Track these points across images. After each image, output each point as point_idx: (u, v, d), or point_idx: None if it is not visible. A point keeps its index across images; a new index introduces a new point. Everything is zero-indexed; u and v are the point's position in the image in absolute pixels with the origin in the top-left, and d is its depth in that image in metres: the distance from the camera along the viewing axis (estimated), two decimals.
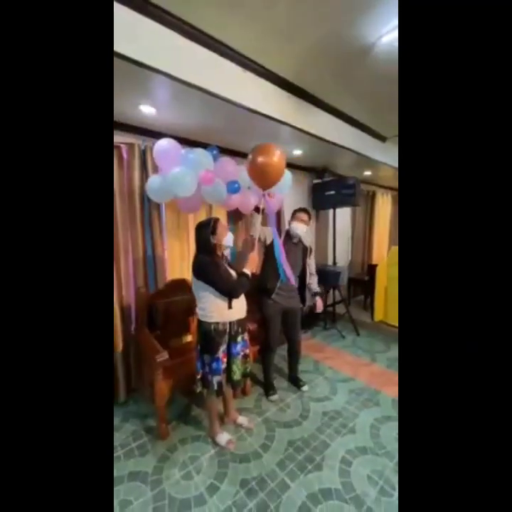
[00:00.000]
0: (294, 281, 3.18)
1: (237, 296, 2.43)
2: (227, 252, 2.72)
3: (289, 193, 4.08)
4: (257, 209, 2.96)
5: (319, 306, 3.55)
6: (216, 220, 2.48)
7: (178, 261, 3.81)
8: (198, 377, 2.59)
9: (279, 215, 4.75)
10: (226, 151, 4.03)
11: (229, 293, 2.38)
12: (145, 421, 3.09)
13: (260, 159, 2.47)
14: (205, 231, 2.44)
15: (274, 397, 3.42)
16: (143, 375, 3.26)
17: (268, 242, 3.31)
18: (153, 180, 3.34)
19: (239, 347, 2.58)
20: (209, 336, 2.44)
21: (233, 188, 3.46)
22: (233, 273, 2.52)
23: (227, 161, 3.52)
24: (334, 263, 5.45)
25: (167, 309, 3.39)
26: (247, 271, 2.50)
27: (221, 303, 2.44)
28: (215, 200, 3.48)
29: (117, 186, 3.25)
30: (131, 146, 3.38)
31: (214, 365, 2.47)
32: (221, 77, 2.72)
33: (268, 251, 3.33)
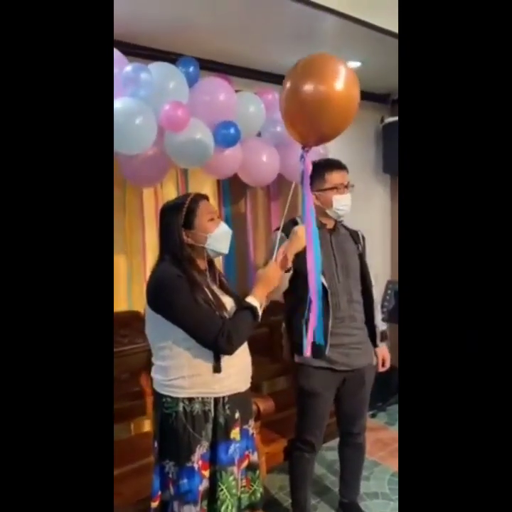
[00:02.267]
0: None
1: (229, 350, 1.41)
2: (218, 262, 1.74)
3: (336, 142, 2.47)
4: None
5: (386, 360, 2.00)
6: (193, 199, 1.48)
7: (122, 280, 2.28)
8: (154, 505, 1.48)
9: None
10: (214, 66, 2.36)
11: (213, 342, 1.39)
12: None
13: (311, 87, 1.34)
14: (173, 221, 1.45)
15: None
16: None
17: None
18: None
19: (234, 450, 1.50)
20: (174, 426, 1.43)
21: (226, 135, 1.92)
22: (228, 303, 1.51)
23: (215, 84, 1.96)
24: None
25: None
26: (257, 303, 1.45)
27: (199, 362, 1.44)
28: (191, 160, 1.94)
29: None
30: None
31: (182, 483, 1.43)
32: None
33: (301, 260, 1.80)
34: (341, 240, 1.88)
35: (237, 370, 1.50)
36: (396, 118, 3.27)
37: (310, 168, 1.48)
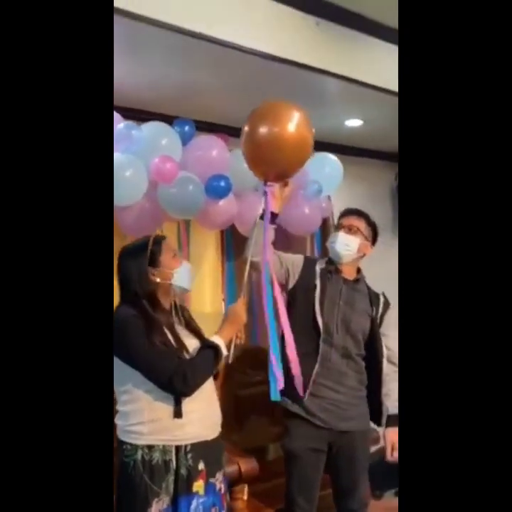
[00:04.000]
0: (302, 390, 1.61)
1: (186, 391, 1.35)
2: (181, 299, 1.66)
3: (343, 197, 2.56)
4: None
5: (395, 448, 1.71)
6: (155, 239, 1.49)
7: None
8: None
9: (324, 234, 3.03)
10: (210, 126, 2.50)
11: (168, 383, 1.33)
12: None
13: (263, 129, 1.47)
14: (136, 261, 1.45)
15: None
16: None
17: (291, 280, 1.76)
18: None
19: (197, 505, 1.37)
20: (131, 476, 1.34)
21: (216, 187, 1.95)
22: (193, 344, 1.46)
23: (206, 142, 2.04)
24: None
25: None
26: (221, 341, 1.43)
27: (159, 406, 1.36)
28: (181, 210, 1.99)
29: None
30: None
31: None
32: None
33: (290, 300, 1.77)
34: (354, 294, 1.78)
35: (201, 415, 1.41)
36: None
37: (272, 203, 1.51)
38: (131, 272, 1.45)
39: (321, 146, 2.67)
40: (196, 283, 2.45)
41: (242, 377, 2.31)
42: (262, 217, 1.58)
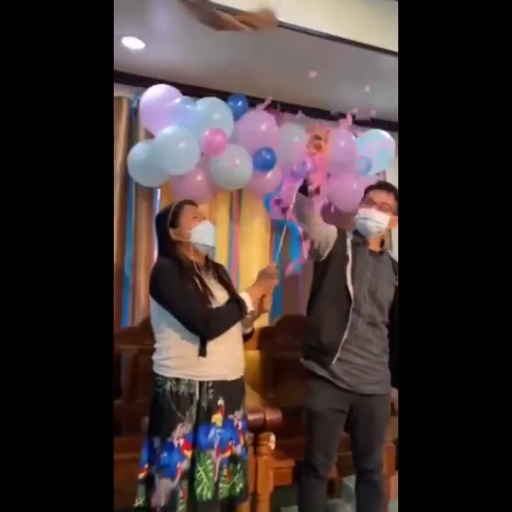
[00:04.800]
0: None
1: (210, 335, 1.51)
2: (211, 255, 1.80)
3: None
4: (304, 189, 1.68)
5: None
6: (178, 205, 1.69)
7: None
8: (140, 477, 1.54)
9: None
10: (262, 103, 2.51)
11: (195, 325, 1.50)
12: None
13: None
14: (161, 223, 1.67)
15: None
16: None
17: (326, 251, 1.83)
18: (137, 150, 2.18)
19: (214, 434, 1.51)
20: (161, 403, 1.52)
21: (261, 160, 2.06)
22: (222, 296, 1.60)
23: (256, 117, 2.14)
24: None
25: (137, 363, 2.20)
26: (248, 297, 1.59)
27: (186, 345, 1.53)
28: (229, 181, 2.12)
29: None
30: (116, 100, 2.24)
31: (163, 456, 1.47)
32: None
33: (323, 269, 1.85)
34: (380, 265, 1.84)
35: (224, 358, 1.56)
36: None
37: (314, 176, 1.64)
38: (159, 232, 1.67)
39: (377, 123, 2.68)
40: (245, 253, 2.62)
41: (282, 341, 2.44)
42: (301, 190, 1.68)
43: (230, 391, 1.57)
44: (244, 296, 1.57)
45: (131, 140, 2.37)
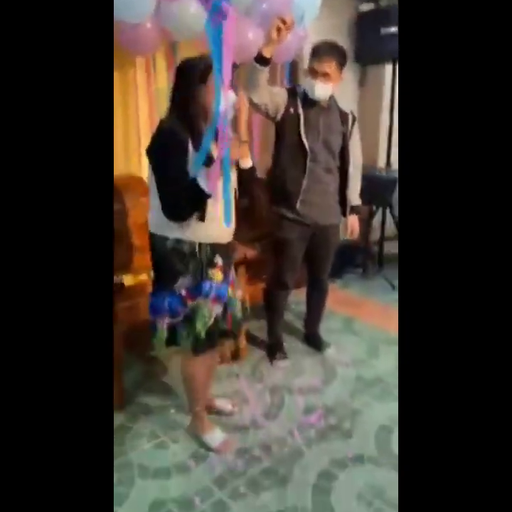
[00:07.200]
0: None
1: (178, 217, 1.58)
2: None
3: (313, 30, 2.59)
4: (261, 58, 1.80)
5: (354, 230, 2.38)
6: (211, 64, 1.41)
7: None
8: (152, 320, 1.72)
9: (295, 67, 3.16)
10: None
11: (163, 208, 1.56)
12: None
13: None
14: (190, 76, 1.51)
15: (283, 363, 2.48)
16: None
17: (279, 113, 2.07)
18: None
19: (210, 287, 1.67)
20: (163, 259, 1.65)
21: (215, 6, 2.02)
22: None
23: None
24: (388, 164, 3.59)
25: (122, 218, 2.22)
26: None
27: None
28: (181, 30, 2.07)
29: None
30: None
31: (167, 301, 1.65)
32: None
33: (283, 126, 2.10)
34: (330, 117, 2.14)
35: (219, 224, 1.64)
36: (372, 6, 3.37)
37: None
38: (183, 85, 1.53)
39: None
40: None
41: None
42: (256, 59, 1.80)
43: (225, 251, 1.72)
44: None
45: None
